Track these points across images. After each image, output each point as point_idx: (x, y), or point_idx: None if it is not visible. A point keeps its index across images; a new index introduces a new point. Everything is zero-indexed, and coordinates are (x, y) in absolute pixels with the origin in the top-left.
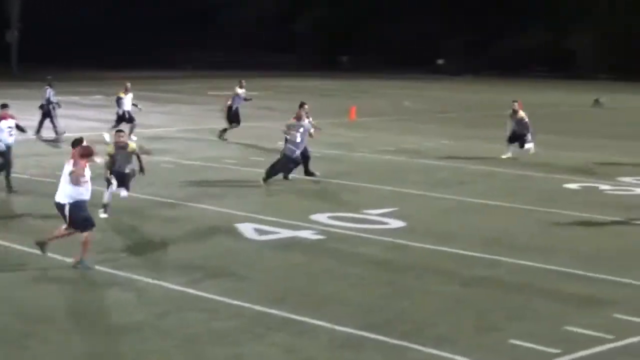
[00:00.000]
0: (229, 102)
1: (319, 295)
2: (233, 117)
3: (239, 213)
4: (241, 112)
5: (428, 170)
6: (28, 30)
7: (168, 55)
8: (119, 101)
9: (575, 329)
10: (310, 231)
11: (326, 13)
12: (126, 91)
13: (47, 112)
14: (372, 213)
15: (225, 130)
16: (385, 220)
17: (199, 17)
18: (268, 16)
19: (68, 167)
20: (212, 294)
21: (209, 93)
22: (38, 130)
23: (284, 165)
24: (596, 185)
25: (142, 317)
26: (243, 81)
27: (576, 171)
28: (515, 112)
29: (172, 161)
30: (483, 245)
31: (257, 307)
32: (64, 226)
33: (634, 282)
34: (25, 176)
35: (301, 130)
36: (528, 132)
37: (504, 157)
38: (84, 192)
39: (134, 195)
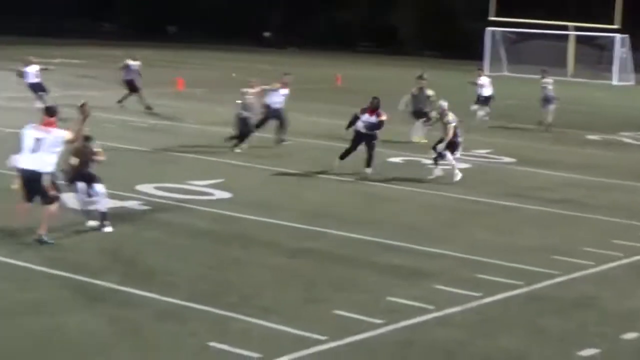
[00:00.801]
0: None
1: (144, 266)
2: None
3: (59, 182)
4: (62, 80)
5: (254, 142)
6: None
7: None
8: (23, 75)
9: (398, 300)
10: (136, 202)
11: None
12: (29, 64)
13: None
14: (199, 184)
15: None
16: (211, 192)
17: None
18: None
19: (50, 135)
20: (33, 264)
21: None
22: None
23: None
24: (418, 159)
25: None
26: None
27: (400, 146)
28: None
29: None
30: (309, 217)
31: (80, 278)
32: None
33: (451, 253)
34: None
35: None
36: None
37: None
38: None
39: None
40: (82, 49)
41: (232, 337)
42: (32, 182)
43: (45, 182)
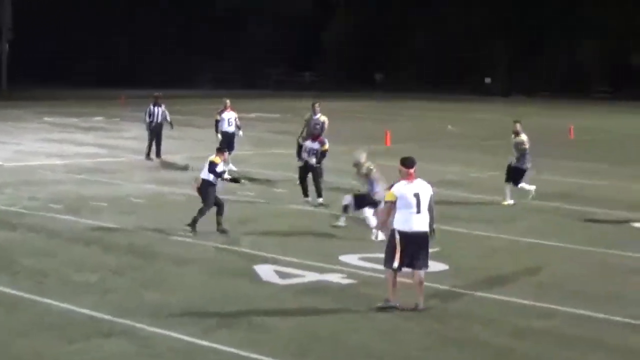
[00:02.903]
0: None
1: (348, 347)
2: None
3: (257, 253)
4: (256, 136)
5: (473, 205)
6: (20, 42)
7: (175, 72)
8: (218, 124)
9: None
10: (339, 274)
11: (352, 26)
12: (225, 109)
13: (156, 132)
14: None
15: None
16: None
17: (204, 32)
18: (284, 31)
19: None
20: (226, 345)
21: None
22: (149, 153)
23: None
24: None
25: None
26: (317, 105)
27: None
28: (516, 134)
29: (184, 193)
30: (536, 291)
31: None
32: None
33: None
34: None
35: None
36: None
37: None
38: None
39: (137, 231)
40: (279, 101)
41: None
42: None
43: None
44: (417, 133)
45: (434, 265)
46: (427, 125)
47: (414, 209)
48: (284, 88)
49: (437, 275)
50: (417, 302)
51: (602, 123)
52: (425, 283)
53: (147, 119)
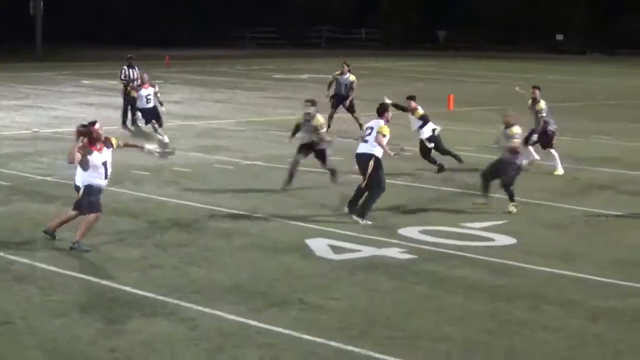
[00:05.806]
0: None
1: (409, 330)
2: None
3: (310, 226)
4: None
5: (543, 174)
6: (52, 3)
7: (214, 31)
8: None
9: None
10: (398, 249)
11: None
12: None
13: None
14: (474, 227)
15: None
16: (490, 236)
17: None
18: None
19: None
20: (276, 326)
21: (274, 76)
22: (125, 121)
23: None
24: None
25: (191, 354)
26: (346, 64)
27: None
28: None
29: (229, 161)
30: (621, 268)
31: (332, 343)
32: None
33: None
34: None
35: None
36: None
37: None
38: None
39: (182, 202)
40: (331, 59)
41: None
42: None
43: None
44: (482, 96)
45: (500, 239)
46: (493, 87)
47: None
48: (338, 47)
49: (504, 250)
50: None
51: None
52: (491, 259)
53: (124, 82)
